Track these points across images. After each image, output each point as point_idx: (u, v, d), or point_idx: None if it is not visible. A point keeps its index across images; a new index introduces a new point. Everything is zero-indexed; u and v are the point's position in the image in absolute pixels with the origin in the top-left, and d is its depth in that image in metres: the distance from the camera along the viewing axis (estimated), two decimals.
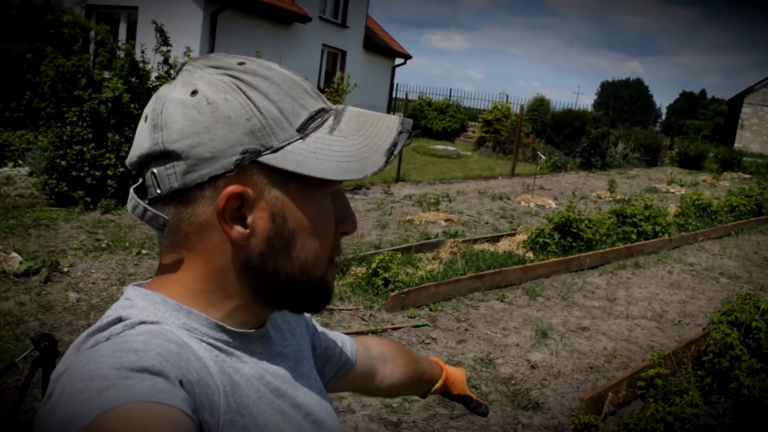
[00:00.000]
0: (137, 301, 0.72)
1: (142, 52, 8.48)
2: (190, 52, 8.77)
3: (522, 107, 18.35)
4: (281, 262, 0.73)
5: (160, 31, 8.55)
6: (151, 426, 0.53)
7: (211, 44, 14.48)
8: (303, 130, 0.72)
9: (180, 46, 8.91)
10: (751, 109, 29.68)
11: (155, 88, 8.54)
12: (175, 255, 0.75)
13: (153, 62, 8.59)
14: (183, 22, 13.30)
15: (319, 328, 1.05)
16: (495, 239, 8.27)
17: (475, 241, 7.99)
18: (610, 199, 13.31)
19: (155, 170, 0.71)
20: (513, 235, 8.52)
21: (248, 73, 0.71)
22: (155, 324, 0.69)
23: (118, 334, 0.66)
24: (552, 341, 5.19)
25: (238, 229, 0.71)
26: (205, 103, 0.69)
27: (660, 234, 9.14)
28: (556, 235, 7.82)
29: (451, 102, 25.30)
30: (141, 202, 0.72)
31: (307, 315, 1.00)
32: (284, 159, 0.70)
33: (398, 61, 24.56)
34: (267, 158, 0.70)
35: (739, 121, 30.00)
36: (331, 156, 0.71)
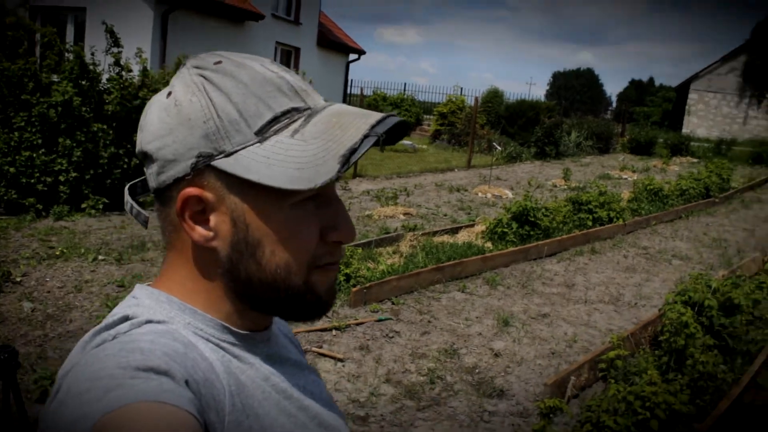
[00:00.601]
0: (144, 300, 0.72)
1: (92, 54, 8.30)
2: (141, 53, 8.61)
3: (477, 99, 18.52)
4: (250, 268, 0.71)
5: (111, 32, 8.38)
6: (157, 426, 0.53)
7: (162, 45, 14.23)
8: (262, 133, 0.68)
9: (131, 47, 8.74)
10: (697, 95, 30.48)
11: (107, 91, 8.38)
12: (168, 254, 0.76)
13: (104, 64, 8.41)
14: (133, 22, 13.03)
15: None
16: (454, 231, 8.35)
17: (435, 233, 8.05)
18: (565, 187, 13.54)
19: (145, 169, 0.74)
20: (471, 226, 8.61)
21: (218, 73, 0.70)
22: (162, 323, 0.69)
23: (125, 333, 0.65)
24: (514, 329, 5.26)
25: (200, 231, 0.70)
26: (173, 104, 0.69)
27: (615, 219, 9.33)
28: (514, 225, 7.92)
29: (405, 96, 25.40)
30: (129, 199, 0.76)
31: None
32: (236, 164, 0.67)
33: (352, 56, 24.50)
34: (219, 162, 0.68)
35: (686, 107, 30.81)
36: (284, 162, 0.66)
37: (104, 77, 8.45)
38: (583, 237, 8.59)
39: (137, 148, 0.74)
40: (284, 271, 0.71)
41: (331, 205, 0.74)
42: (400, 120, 0.70)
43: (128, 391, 0.55)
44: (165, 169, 0.70)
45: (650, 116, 36.34)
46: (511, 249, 7.40)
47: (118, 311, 0.71)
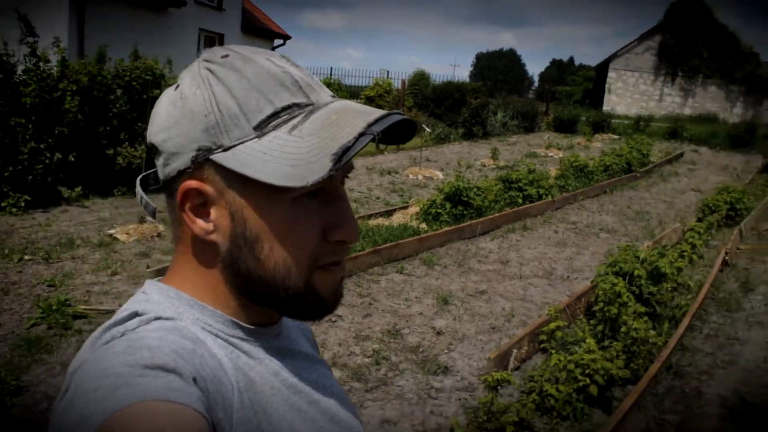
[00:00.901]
0: (153, 296, 0.72)
1: (5, 44, 7.90)
2: (59, 43, 8.25)
3: (404, 82, 18.62)
4: (250, 264, 0.71)
5: (25, 21, 7.98)
6: (165, 425, 0.53)
7: (79, 34, 13.66)
8: (261, 128, 0.67)
9: (47, 37, 8.35)
10: (615, 74, 31.50)
11: (23, 83, 7.99)
12: (176, 248, 0.76)
13: (18, 55, 8.02)
14: (48, 11, 12.43)
15: None
16: (388, 213, 8.40)
17: (369, 216, 8.09)
18: (494, 166, 13.79)
19: (155, 161, 0.74)
20: (405, 208, 8.68)
21: (224, 66, 0.69)
22: (170, 320, 0.68)
23: (133, 330, 0.65)
24: (453, 307, 5.36)
25: (200, 224, 0.70)
26: (179, 97, 0.70)
27: (544, 196, 9.59)
28: (448, 205, 8.04)
29: (332, 81, 25.26)
30: (140, 190, 0.76)
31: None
32: (233, 158, 0.67)
33: (277, 42, 24.14)
34: (218, 156, 0.67)
35: (606, 85, 31.80)
36: (280, 158, 0.65)
37: (20, 68, 8.06)
38: (514, 215, 8.79)
39: (147, 140, 0.74)
40: (284, 269, 0.70)
41: (336, 202, 0.72)
42: (402, 118, 0.68)
43: (135, 389, 0.55)
44: (169, 162, 0.70)
45: (572, 95, 37.41)
46: (446, 229, 7.50)
47: (127, 307, 0.70)
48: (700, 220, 9.10)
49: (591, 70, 41.33)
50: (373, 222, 7.77)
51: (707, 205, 9.55)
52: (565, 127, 22.99)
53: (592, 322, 4.64)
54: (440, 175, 12.30)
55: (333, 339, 4.55)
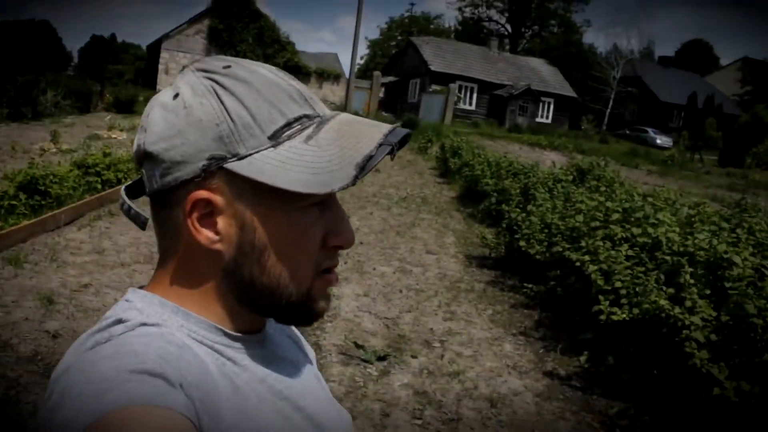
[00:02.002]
0: (136, 303, 0.71)
1: None
2: None
3: None
4: (255, 273, 0.71)
5: None
6: (151, 429, 0.53)
7: None
8: (276, 138, 0.68)
9: None
10: (168, 54, 31.44)
11: None
12: (164, 256, 0.74)
13: None
14: None
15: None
16: None
17: None
18: (56, 150, 12.72)
19: (143, 170, 0.72)
20: None
21: (229, 77, 0.69)
22: (155, 326, 0.68)
23: (119, 335, 0.64)
24: (62, 306, 4.92)
25: (207, 235, 0.70)
26: (182, 106, 0.69)
27: (123, 180, 9.27)
28: (23, 196, 7.22)
29: None
30: (126, 200, 0.75)
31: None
32: (250, 167, 0.67)
33: None
34: (232, 165, 0.67)
35: (160, 65, 31.60)
36: (300, 167, 0.66)
37: None
38: (97, 201, 8.33)
39: (138, 149, 0.72)
40: (288, 276, 0.72)
41: (333, 209, 0.75)
42: (409, 131, 0.73)
43: (122, 394, 0.55)
44: (171, 171, 0.69)
45: (124, 74, 36.20)
46: (26, 223, 6.73)
47: (111, 314, 0.70)
48: None
49: (141, 49, 40.55)
50: None
51: None
52: (124, 107, 22.27)
53: None
54: None
55: None
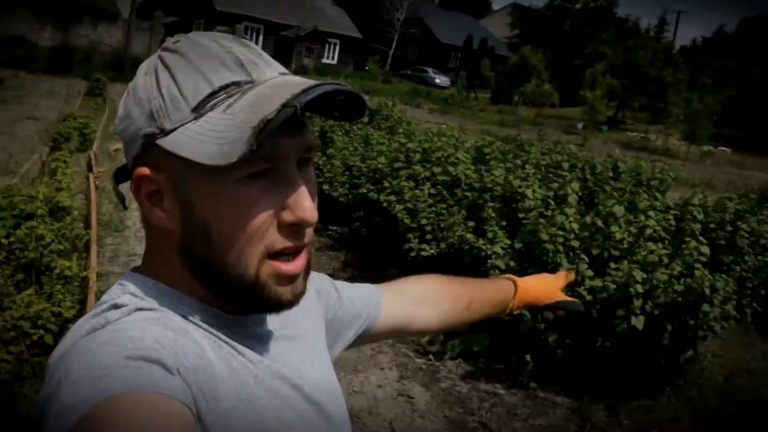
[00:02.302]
0: (131, 287, 0.70)
1: None
2: None
3: None
4: (204, 251, 0.69)
5: None
6: (148, 416, 0.53)
7: None
8: (199, 110, 0.65)
9: None
10: None
11: None
12: (146, 238, 0.76)
13: None
14: None
15: (341, 289, 1.01)
16: None
17: None
18: None
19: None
20: None
21: (171, 51, 0.69)
22: (152, 310, 0.67)
23: (116, 321, 0.64)
24: None
25: (156, 212, 0.70)
26: (132, 87, 0.70)
27: None
28: None
29: None
30: (112, 182, 0.75)
31: (327, 279, 1.01)
32: (173, 142, 0.65)
33: None
34: (161, 141, 0.66)
35: None
36: (212, 138, 0.63)
37: None
38: None
39: None
40: (234, 254, 0.68)
41: (287, 182, 0.68)
42: (336, 88, 0.65)
43: (119, 380, 0.55)
44: (127, 151, 0.71)
45: None
46: None
47: (106, 299, 0.69)
48: (54, 149, 9.07)
49: None
50: None
51: (59, 133, 9.57)
52: None
53: (7, 271, 4.33)
54: None
55: None
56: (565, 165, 6.14)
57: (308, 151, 0.71)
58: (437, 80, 39.21)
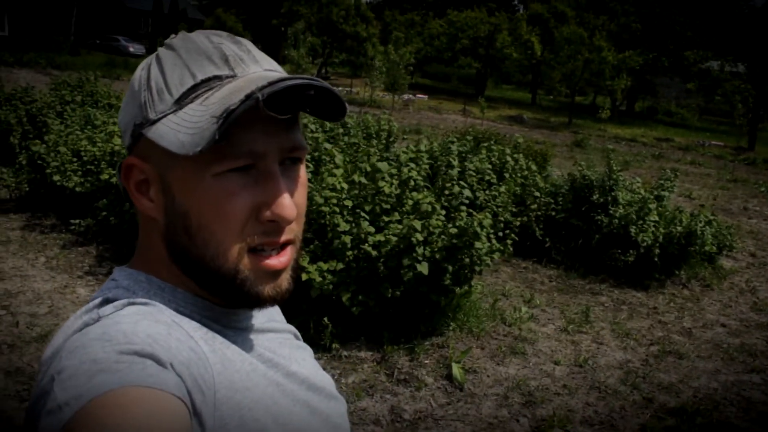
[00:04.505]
0: (123, 282, 0.71)
1: None
2: None
3: None
4: (185, 241, 0.69)
5: None
6: (143, 411, 0.52)
7: None
8: (180, 102, 0.66)
9: None
10: None
11: None
12: (139, 229, 0.76)
13: None
14: None
15: None
16: None
17: None
18: None
19: None
20: None
21: (166, 46, 0.71)
22: (144, 305, 0.67)
23: (108, 316, 0.64)
24: None
25: (143, 202, 0.71)
26: (131, 80, 0.72)
27: None
28: None
29: None
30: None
31: None
32: (155, 132, 0.66)
33: None
34: (146, 131, 0.67)
35: None
36: (186, 128, 0.64)
37: None
38: None
39: None
40: (213, 247, 0.68)
41: (268, 181, 0.68)
42: (305, 82, 0.64)
43: (113, 376, 0.54)
44: (123, 141, 0.73)
45: None
46: None
47: (98, 295, 0.69)
48: None
49: None
50: None
51: None
52: None
53: None
54: None
55: None
56: None
57: (293, 150, 0.71)
58: (131, 49, 36.70)
